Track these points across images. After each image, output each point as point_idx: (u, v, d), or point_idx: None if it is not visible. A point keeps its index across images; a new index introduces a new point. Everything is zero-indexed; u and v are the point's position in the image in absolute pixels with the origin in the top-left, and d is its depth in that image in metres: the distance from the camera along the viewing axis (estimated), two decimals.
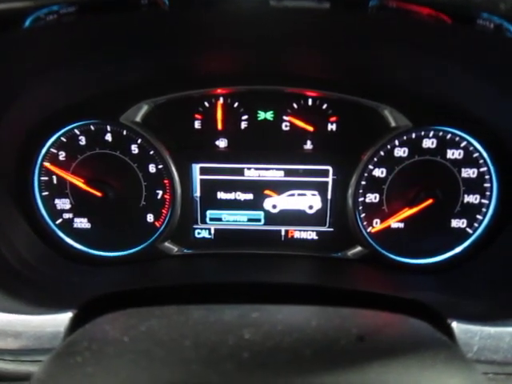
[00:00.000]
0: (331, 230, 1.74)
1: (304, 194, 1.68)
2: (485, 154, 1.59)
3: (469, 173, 1.61)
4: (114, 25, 1.14)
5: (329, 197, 1.69)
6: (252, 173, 1.67)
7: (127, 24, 1.14)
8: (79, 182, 1.63)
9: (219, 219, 1.74)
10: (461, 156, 1.60)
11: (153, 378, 0.69)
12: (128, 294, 1.09)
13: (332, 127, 1.65)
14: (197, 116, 1.65)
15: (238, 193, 1.70)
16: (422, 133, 1.59)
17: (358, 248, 1.71)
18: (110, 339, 0.80)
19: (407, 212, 1.64)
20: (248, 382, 0.69)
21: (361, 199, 1.67)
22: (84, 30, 1.13)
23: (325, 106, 1.63)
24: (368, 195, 1.66)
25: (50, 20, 0.95)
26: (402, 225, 1.68)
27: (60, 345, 0.82)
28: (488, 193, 1.62)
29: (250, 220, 1.73)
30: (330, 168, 1.66)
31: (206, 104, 1.64)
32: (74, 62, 1.32)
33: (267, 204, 1.70)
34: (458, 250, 1.68)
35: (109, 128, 1.62)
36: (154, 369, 0.71)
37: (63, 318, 1.08)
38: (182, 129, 1.66)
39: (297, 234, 1.75)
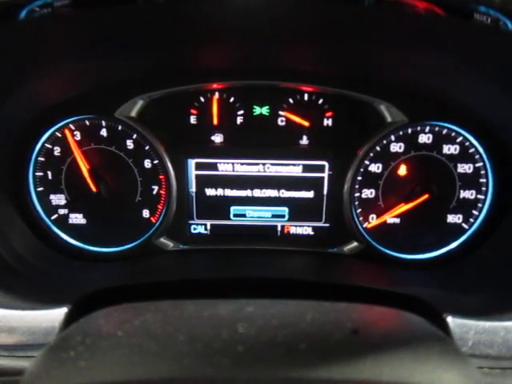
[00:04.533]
0: (327, 225, 1.74)
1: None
2: (481, 150, 1.59)
3: (465, 168, 1.61)
4: (109, 19, 1.13)
5: (325, 192, 1.69)
6: (247, 168, 1.67)
7: (122, 18, 1.13)
8: (84, 168, 1.62)
9: None
10: (457, 151, 1.60)
11: (147, 372, 0.68)
12: (123, 289, 1.09)
13: (328, 122, 1.65)
14: (192, 111, 1.65)
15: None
16: (418, 128, 1.59)
17: (354, 243, 1.71)
18: (103, 333, 0.80)
19: (403, 207, 1.64)
20: (242, 375, 0.69)
21: (357, 194, 1.67)
22: (78, 24, 1.12)
23: (321, 101, 1.63)
24: (364, 190, 1.66)
25: (45, 13, 0.94)
26: (398, 220, 1.68)
27: (54, 339, 0.81)
28: (484, 188, 1.62)
29: None
30: (325, 163, 1.65)
31: (202, 99, 1.63)
32: (69, 57, 1.31)
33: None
34: (453, 245, 1.68)
35: (104, 123, 1.62)
36: (148, 363, 0.70)
37: (58, 314, 1.08)
38: (178, 124, 1.66)
39: (293, 230, 1.75)
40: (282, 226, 1.75)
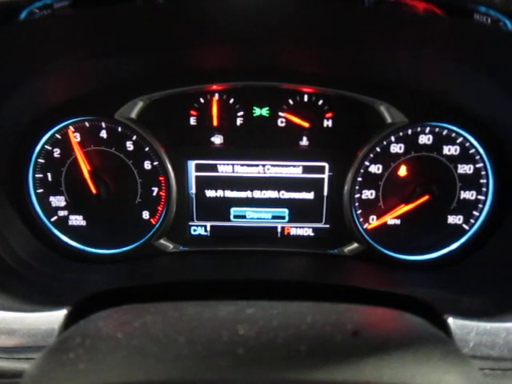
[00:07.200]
0: (327, 226, 1.73)
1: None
2: (481, 150, 1.59)
3: (465, 169, 1.61)
4: (108, 20, 1.13)
5: (325, 193, 1.68)
6: (247, 169, 1.67)
7: (122, 19, 1.13)
8: (85, 169, 1.62)
9: None
10: (457, 152, 1.60)
11: (147, 375, 0.68)
12: (122, 291, 1.08)
13: (328, 123, 1.65)
14: (192, 112, 1.65)
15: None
16: (418, 129, 1.59)
17: (355, 244, 1.71)
18: (103, 335, 0.80)
19: (403, 208, 1.64)
20: (243, 377, 0.68)
21: (357, 196, 1.66)
22: (78, 26, 1.12)
23: (321, 102, 1.63)
24: (364, 191, 1.66)
25: (44, 15, 0.94)
26: (398, 221, 1.68)
27: (53, 341, 0.81)
28: (484, 189, 1.62)
29: None
30: (326, 164, 1.65)
31: (202, 100, 1.63)
32: (69, 58, 1.31)
33: None
34: (454, 246, 1.68)
35: (104, 125, 1.61)
36: (148, 365, 0.70)
37: (58, 316, 1.08)
38: (178, 125, 1.66)
39: (293, 231, 1.75)
40: (282, 228, 1.75)
